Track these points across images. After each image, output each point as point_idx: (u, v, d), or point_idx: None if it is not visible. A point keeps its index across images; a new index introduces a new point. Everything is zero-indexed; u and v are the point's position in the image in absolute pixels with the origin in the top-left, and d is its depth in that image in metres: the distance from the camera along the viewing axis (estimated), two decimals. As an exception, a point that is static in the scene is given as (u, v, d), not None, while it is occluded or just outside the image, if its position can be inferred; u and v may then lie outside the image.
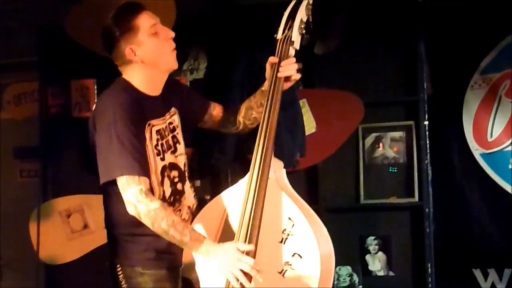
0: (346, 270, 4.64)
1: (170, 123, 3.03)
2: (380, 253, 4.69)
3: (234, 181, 2.96)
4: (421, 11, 4.56)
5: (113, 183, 2.81)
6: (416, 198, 4.60)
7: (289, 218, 2.75)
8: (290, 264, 2.71)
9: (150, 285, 2.93)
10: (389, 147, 4.72)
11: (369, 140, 4.76)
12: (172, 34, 2.96)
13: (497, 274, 4.54)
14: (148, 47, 2.90)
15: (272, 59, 2.97)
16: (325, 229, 2.88)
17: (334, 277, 4.22)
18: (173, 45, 2.96)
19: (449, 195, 4.68)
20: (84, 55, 4.67)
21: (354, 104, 4.63)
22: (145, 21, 2.89)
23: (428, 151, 4.57)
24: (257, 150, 2.84)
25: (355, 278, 4.65)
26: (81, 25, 4.44)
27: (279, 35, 3.00)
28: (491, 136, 4.61)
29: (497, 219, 4.58)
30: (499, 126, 4.59)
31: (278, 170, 2.92)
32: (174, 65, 3.00)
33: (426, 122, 4.57)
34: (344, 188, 4.81)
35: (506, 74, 4.58)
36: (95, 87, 4.98)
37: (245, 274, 2.69)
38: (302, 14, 2.98)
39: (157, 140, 2.94)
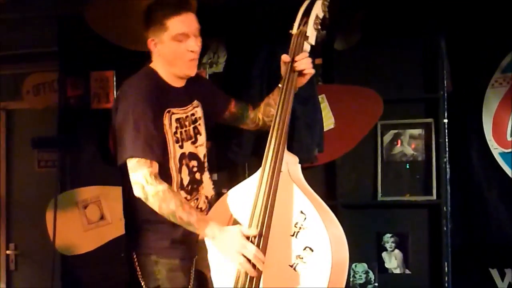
0: (362, 267, 4.62)
1: (192, 114, 3.11)
2: (396, 250, 4.67)
3: (251, 175, 2.97)
4: (442, 8, 4.52)
5: None
6: (434, 196, 4.57)
7: (301, 212, 2.77)
8: (302, 258, 2.72)
9: (163, 275, 2.99)
10: (408, 144, 4.69)
11: (388, 137, 4.74)
12: (196, 48, 3.01)
13: (514, 275, 4.52)
14: (167, 49, 2.99)
15: (284, 58, 3.01)
16: (338, 223, 2.89)
17: (349, 274, 4.23)
18: (194, 56, 3.02)
19: (467, 194, 4.65)
20: (104, 46, 4.71)
21: (373, 101, 4.61)
22: (176, 26, 2.95)
23: (447, 149, 4.54)
24: (270, 145, 2.88)
25: (371, 275, 4.63)
26: (101, 16, 4.45)
27: (294, 31, 3.04)
28: (511, 136, 4.58)
29: (515, 219, 4.55)
30: (519, 125, 4.56)
31: (292, 164, 2.94)
32: (188, 73, 3.07)
33: (446, 120, 4.54)
34: (362, 185, 4.79)
35: (527, 73, 4.56)
36: (114, 78, 4.99)
37: (250, 261, 2.73)
38: (317, 10, 3.03)
39: (176, 128, 3.01)
